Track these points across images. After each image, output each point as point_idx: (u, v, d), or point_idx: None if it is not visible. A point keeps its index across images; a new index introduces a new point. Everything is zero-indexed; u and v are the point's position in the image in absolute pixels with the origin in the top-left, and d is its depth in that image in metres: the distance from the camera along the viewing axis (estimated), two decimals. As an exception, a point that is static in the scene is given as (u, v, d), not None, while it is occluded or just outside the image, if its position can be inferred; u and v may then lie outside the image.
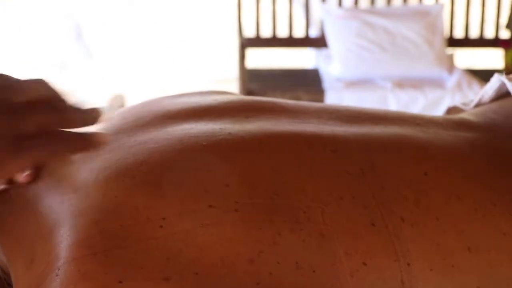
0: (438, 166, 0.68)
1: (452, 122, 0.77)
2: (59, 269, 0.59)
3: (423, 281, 0.62)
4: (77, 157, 0.68)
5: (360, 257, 0.61)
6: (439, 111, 3.19)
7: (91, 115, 0.64)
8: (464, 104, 0.93)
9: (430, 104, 3.22)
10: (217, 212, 0.61)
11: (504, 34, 3.89)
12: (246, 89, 3.25)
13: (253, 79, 3.39)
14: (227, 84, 5.07)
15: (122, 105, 3.83)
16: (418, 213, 0.64)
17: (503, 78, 0.83)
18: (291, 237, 0.61)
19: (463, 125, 0.77)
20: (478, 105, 0.89)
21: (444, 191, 0.66)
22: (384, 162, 0.67)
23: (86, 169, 0.66)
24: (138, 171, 0.65)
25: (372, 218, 0.63)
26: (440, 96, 3.24)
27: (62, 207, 0.64)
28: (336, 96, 3.21)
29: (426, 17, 3.51)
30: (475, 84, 3.30)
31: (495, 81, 0.86)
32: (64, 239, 0.61)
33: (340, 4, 3.67)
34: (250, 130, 0.69)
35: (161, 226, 0.60)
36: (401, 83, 3.30)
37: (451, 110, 0.95)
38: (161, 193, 0.62)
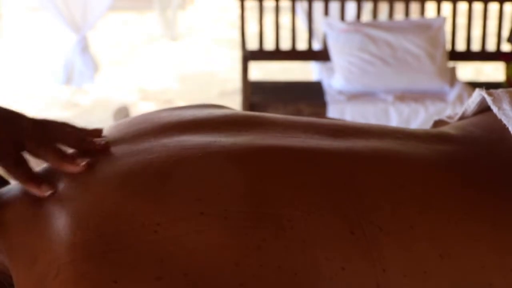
0: (414, 178, 0.72)
1: (432, 135, 0.81)
2: (59, 269, 0.64)
3: (397, 286, 0.66)
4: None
5: (339, 262, 0.65)
6: (439, 124, 3.20)
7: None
8: (449, 117, 0.96)
9: (431, 117, 3.24)
10: (208, 219, 0.66)
11: (506, 47, 3.92)
12: (249, 102, 3.28)
13: (256, 92, 3.42)
14: (231, 96, 5.10)
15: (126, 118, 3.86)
16: (394, 222, 0.68)
17: (483, 93, 0.86)
18: (275, 243, 0.65)
19: (442, 138, 0.80)
20: (461, 118, 0.92)
21: (419, 201, 0.70)
22: (364, 175, 0.71)
23: (88, 177, 0.71)
24: (136, 180, 0.70)
25: (351, 227, 0.67)
26: (442, 109, 3.27)
27: (63, 212, 0.68)
28: (338, 109, 3.23)
29: (428, 30, 3.54)
30: (476, 97, 3.33)
31: (476, 96, 0.89)
32: (64, 242, 0.66)
33: (342, 18, 3.71)
34: (241, 144, 0.74)
35: (155, 231, 0.65)
36: (403, 96, 3.33)
37: (437, 123, 0.98)
38: (156, 200, 0.67)
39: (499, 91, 0.86)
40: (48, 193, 0.70)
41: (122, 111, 3.94)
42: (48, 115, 4.82)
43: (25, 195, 0.72)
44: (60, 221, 0.68)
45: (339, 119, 0.95)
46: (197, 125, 0.78)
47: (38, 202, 0.71)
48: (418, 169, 0.73)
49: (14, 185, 0.76)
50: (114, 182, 0.69)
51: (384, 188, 0.70)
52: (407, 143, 0.77)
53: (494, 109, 0.82)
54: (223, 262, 0.64)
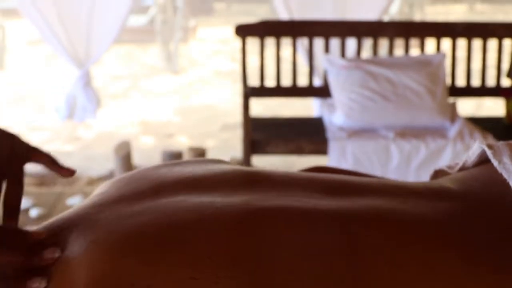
0: (415, 239, 0.72)
1: (432, 191, 0.81)
2: None
3: None
4: (75, 225, 0.74)
5: None
6: (440, 161, 3.21)
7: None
8: (450, 167, 0.96)
9: (432, 153, 3.25)
10: (198, 284, 0.66)
11: (506, 83, 3.93)
12: (250, 139, 3.29)
13: (257, 128, 3.43)
14: (232, 129, 5.11)
15: (128, 153, 3.87)
16: (394, 286, 0.67)
17: (483, 145, 0.87)
18: None
19: (442, 194, 0.80)
20: (462, 168, 0.93)
21: (419, 263, 0.70)
22: (362, 237, 0.71)
23: (81, 239, 0.72)
24: (130, 242, 0.70)
25: None
26: (442, 145, 3.27)
27: (56, 274, 0.70)
28: (338, 146, 3.24)
29: (428, 67, 3.56)
30: (477, 133, 3.34)
31: (477, 148, 0.89)
32: None
33: (343, 54, 3.73)
34: (237, 205, 0.74)
35: None
36: (404, 133, 3.34)
37: (438, 173, 0.98)
38: (148, 263, 0.68)
39: (500, 144, 0.86)
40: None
41: (124, 146, 3.95)
42: (50, 148, 4.84)
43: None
44: (52, 286, 0.69)
45: (338, 171, 0.95)
46: (195, 183, 0.79)
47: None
48: (419, 228, 0.73)
49: None
50: (108, 244, 0.70)
51: (382, 250, 0.70)
52: (406, 200, 0.77)
53: (495, 162, 0.82)
54: None
